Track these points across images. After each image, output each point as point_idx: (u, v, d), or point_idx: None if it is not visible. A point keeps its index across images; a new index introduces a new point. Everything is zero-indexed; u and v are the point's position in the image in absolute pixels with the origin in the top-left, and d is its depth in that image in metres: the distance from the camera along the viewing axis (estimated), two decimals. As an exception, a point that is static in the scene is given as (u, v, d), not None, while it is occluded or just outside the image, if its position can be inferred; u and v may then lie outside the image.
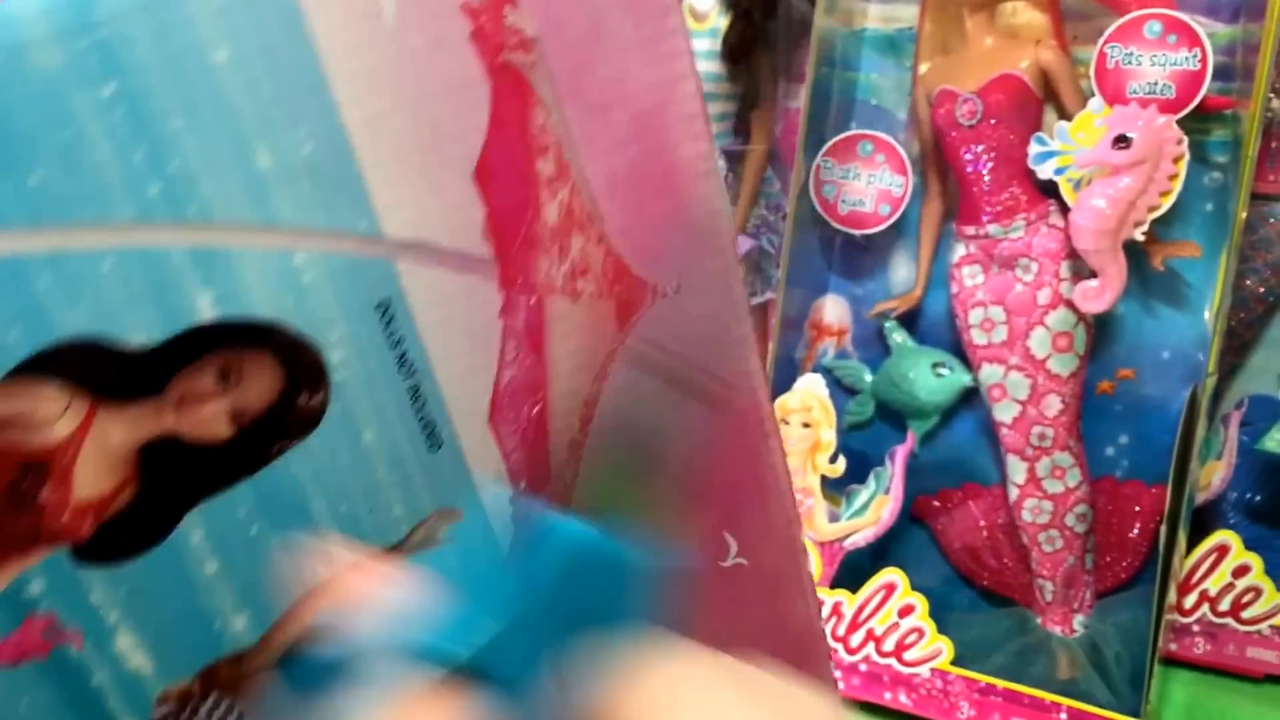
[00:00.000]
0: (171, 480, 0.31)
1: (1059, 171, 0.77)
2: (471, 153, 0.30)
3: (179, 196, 0.29)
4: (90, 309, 0.29)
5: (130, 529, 0.31)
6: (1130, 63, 0.75)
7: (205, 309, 0.30)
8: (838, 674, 0.84)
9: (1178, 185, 0.75)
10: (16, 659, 0.30)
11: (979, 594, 0.88)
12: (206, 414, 0.31)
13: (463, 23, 0.29)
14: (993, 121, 0.80)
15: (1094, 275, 0.77)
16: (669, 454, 0.35)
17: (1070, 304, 0.79)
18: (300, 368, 0.31)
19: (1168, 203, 0.75)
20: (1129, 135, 0.74)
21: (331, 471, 0.31)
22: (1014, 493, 0.85)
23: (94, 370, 0.30)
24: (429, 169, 0.30)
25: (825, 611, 0.85)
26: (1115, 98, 0.75)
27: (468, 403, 0.31)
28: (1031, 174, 0.79)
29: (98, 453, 0.30)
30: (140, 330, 0.30)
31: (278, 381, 0.31)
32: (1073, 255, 0.79)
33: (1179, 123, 0.74)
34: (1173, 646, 0.87)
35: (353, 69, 0.29)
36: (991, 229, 0.81)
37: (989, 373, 0.83)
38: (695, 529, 0.35)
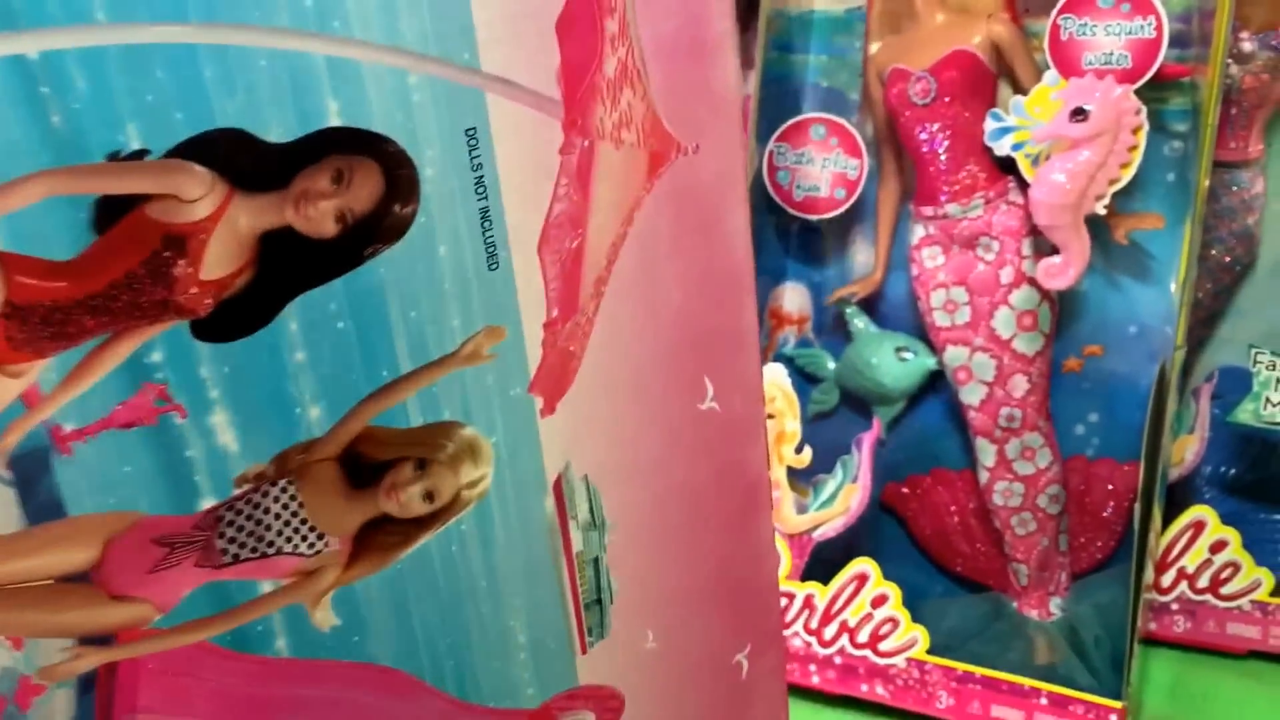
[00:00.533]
0: (283, 269, 0.35)
1: (1016, 147, 0.76)
2: (556, 6, 0.35)
3: (327, 11, 0.33)
4: (243, 101, 0.33)
5: (243, 310, 0.35)
6: (1085, 33, 0.74)
7: (333, 114, 0.34)
8: (812, 668, 0.83)
9: (1137, 156, 0.74)
10: (129, 423, 0.34)
11: (953, 581, 0.87)
12: (320, 211, 0.35)
13: None
14: (947, 99, 0.79)
15: (1056, 251, 0.77)
16: (669, 297, 0.39)
17: (1033, 282, 0.78)
18: (400, 179, 0.35)
19: (1128, 174, 0.74)
20: (1086, 107, 0.73)
21: (409, 279, 0.35)
22: (984, 476, 0.84)
23: (236, 159, 0.34)
24: (522, 14, 0.35)
25: (797, 605, 0.84)
26: (1070, 70, 0.74)
27: (525, 230, 0.35)
28: (989, 151, 0.78)
29: (228, 235, 0.34)
30: (279, 127, 0.34)
31: (380, 189, 0.35)
32: (1034, 232, 0.78)
33: (1137, 92, 0.73)
34: (1152, 626, 0.87)
35: None
36: (950, 209, 0.80)
37: (954, 355, 0.82)
38: (682, 370, 0.40)
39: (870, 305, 0.87)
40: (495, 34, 0.34)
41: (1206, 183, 0.75)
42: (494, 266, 0.35)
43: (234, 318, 0.35)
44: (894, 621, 0.82)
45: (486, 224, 0.35)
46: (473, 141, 0.34)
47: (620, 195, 0.36)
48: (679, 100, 0.37)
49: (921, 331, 0.85)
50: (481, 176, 0.34)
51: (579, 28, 0.35)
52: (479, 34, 0.34)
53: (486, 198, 0.35)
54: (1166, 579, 0.87)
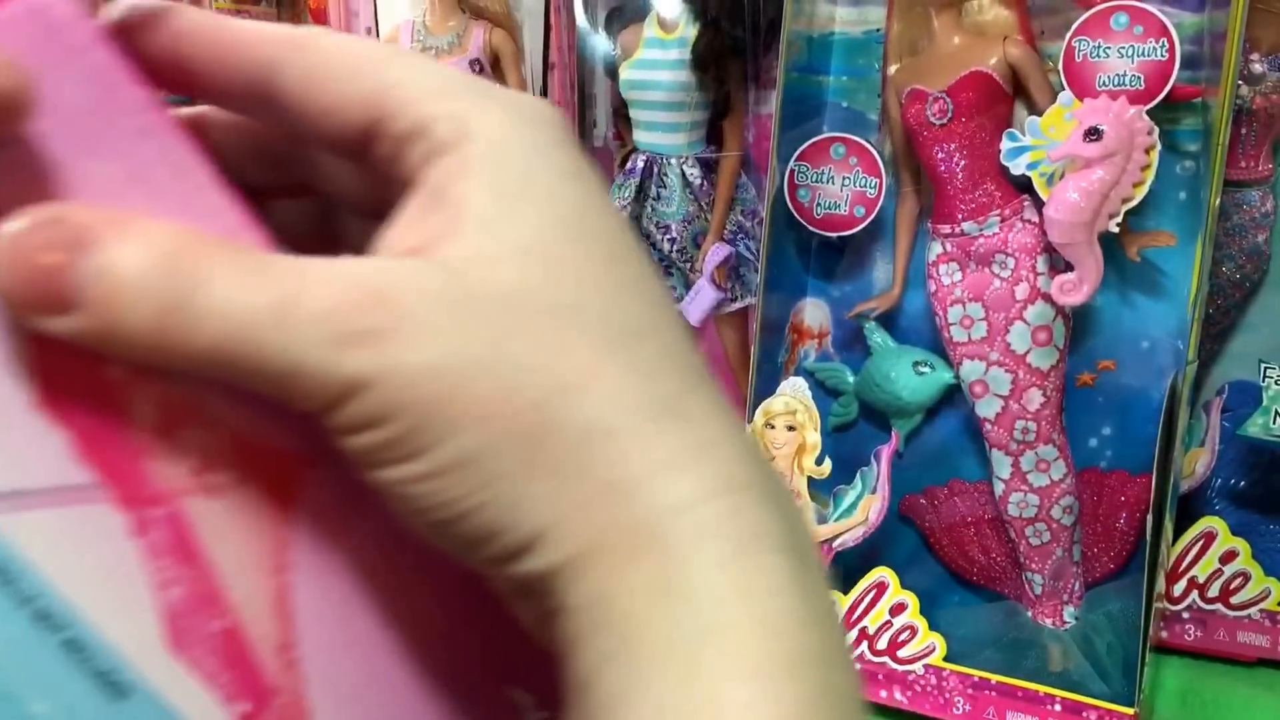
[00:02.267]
0: None
1: (1031, 167, 0.77)
2: (21, 385, 0.25)
3: None
4: None
5: None
6: (1098, 55, 0.74)
7: None
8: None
9: (1150, 175, 0.74)
10: None
11: (969, 590, 0.87)
12: None
13: None
14: (963, 119, 0.79)
15: (1070, 268, 0.76)
16: (409, 622, 0.30)
17: (1048, 298, 0.78)
18: None
19: (1141, 193, 0.74)
20: (1100, 128, 0.73)
21: None
22: (999, 487, 0.84)
23: None
24: None
25: (817, 613, 0.84)
26: (1085, 91, 0.75)
27: (140, 639, 0.26)
28: (1004, 170, 0.78)
29: None
30: None
31: None
32: (1049, 249, 0.78)
33: (1149, 113, 0.73)
34: (1163, 634, 0.87)
35: None
36: (967, 226, 0.80)
37: (970, 369, 0.82)
38: (474, 695, 0.31)
39: (889, 320, 0.87)
40: None
41: (1217, 201, 0.74)
42: (120, 695, 0.26)
43: None
44: (912, 629, 0.81)
45: (81, 655, 0.25)
46: (4, 576, 0.25)
47: (254, 545, 0.27)
48: (265, 407, 0.27)
49: (939, 346, 0.84)
50: (43, 608, 0.25)
51: (72, 395, 0.25)
52: None
53: (65, 627, 0.25)
54: (1178, 588, 0.86)
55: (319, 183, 0.32)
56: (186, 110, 0.31)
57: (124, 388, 0.25)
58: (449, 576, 0.29)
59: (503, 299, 0.25)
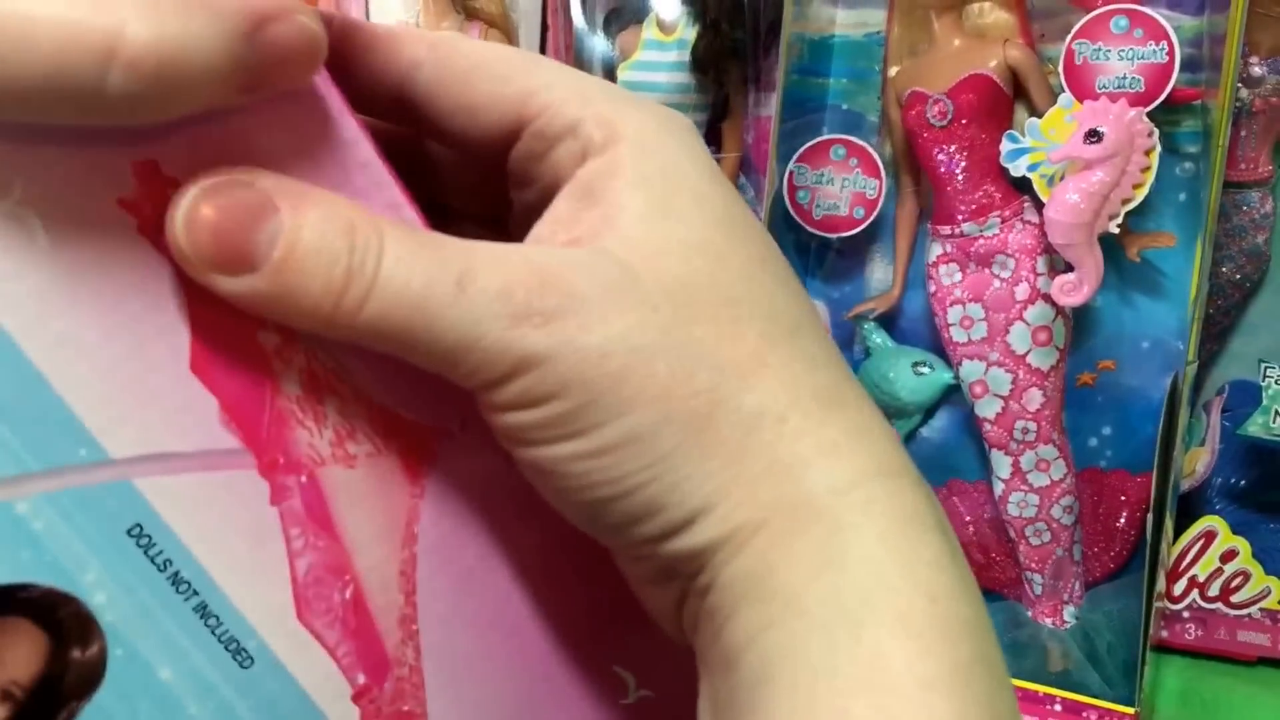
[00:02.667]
0: None
1: (1032, 168, 0.77)
2: (179, 347, 0.26)
3: None
4: None
5: None
6: (1098, 58, 0.74)
7: None
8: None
9: (1150, 177, 0.74)
10: None
11: (969, 589, 0.86)
12: None
13: (125, 218, 0.25)
14: (964, 121, 0.79)
15: (1071, 269, 0.76)
16: (518, 600, 0.30)
17: (1048, 298, 0.78)
18: (61, 623, 0.26)
19: (1141, 194, 0.74)
20: (1100, 130, 0.73)
21: None
22: (999, 487, 0.84)
23: None
24: (137, 376, 0.26)
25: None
26: (1085, 93, 0.75)
27: (269, 606, 0.27)
28: (1004, 172, 0.78)
29: None
30: None
31: (40, 644, 0.26)
32: (1049, 250, 0.78)
33: (1149, 115, 0.73)
34: (1164, 633, 0.87)
35: (16, 294, 0.25)
36: (967, 227, 0.80)
37: (970, 369, 0.82)
38: (581, 676, 0.31)
39: (888, 321, 0.87)
40: (114, 412, 0.26)
41: (1217, 202, 0.74)
42: (247, 664, 0.27)
43: None
44: (913, 629, 0.81)
45: (211, 621, 0.26)
46: (143, 540, 0.26)
47: (384, 516, 0.28)
48: (407, 381, 0.28)
49: (938, 347, 0.84)
50: (177, 573, 0.26)
51: (224, 358, 0.26)
52: (86, 421, 0.26)
53: (198, 592, 0.26)
54: (1178, 587, 0.87)
55: (442, 188, 0.33)
56: None
57: (273, 356, 0.26)
58: (570, 557, 0.30)
59: (672, 288, 0.26)
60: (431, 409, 0.28)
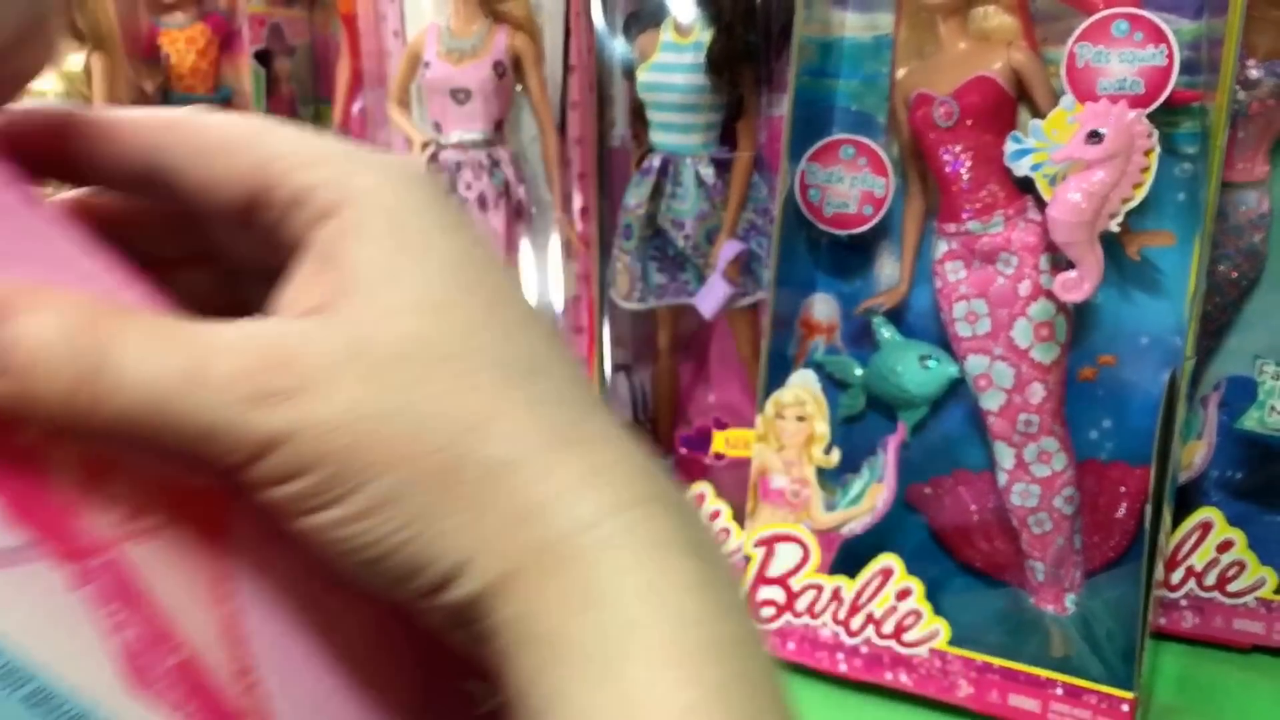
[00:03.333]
0: None
1: (1035, 168, 0.77)
2: None
3: None
4: None
5: None
6: (1099, 61, 0.75)
7: None
8: (840, 656, 0.84)
9: (1149, 177, 0.75)
10: None
11: (973, 576, 0.88)
12: None
13: None
14: (969, 122, 0.80)
15: (1072, 266, 0.77)
16: (359, 634, 0.30)
17: (1050, 295, 0.79)
18: None
19: (1141, 194, 0.75)
20: (1101, 131, 0.74)
21: None
22: (1003, 478, 0.84)
23: None
24: None
25: (825, 597, 0.85)
26: (1086, 95, 0.75)
27: (103, 682, 0.26)
28: (1008, 171, 0.79)
29: None
30: None
31: None
32: (1051, 248, 0.79)
33: (1149, 117, 0.74)
34: (1162, 621, 0.88)
35: None
36: (972, 225, 0.81)
37: (974, 363, 0.83)
38: (428, 691, 0.31)
39: (896, 316, 0.88)
40: None
41: (1215, 202, 0.75)
42: None
43: None
44: (917, 614, 0.82)
45: (52, 703, 0.25)
46: None
47: (195, 579, 0.28)
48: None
49: (944, 341, 0.85)
50: (7, 663, 0.25)
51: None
52: None
53: (27, 680, 0.25)
54: (1176, 576, 0.87)
55: (218, 251, 0.33)
56: (68, 194, 0.32)
57: (49, 447, 0.26)
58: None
59: (402, 350, 0.26)
60: (211, 472, 0.27)
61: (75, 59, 1.25)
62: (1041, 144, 0.77)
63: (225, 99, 1.42)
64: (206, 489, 0.28)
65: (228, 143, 0.29)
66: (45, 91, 1.23)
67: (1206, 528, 0.87)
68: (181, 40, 1.39)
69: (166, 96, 1.41)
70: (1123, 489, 0.82)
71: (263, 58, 1.37)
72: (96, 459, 0.26)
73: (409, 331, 0.26)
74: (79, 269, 0.27)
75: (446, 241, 0.28)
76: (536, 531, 0.26)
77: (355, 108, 1.34)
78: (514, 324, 0.28)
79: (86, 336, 0.25)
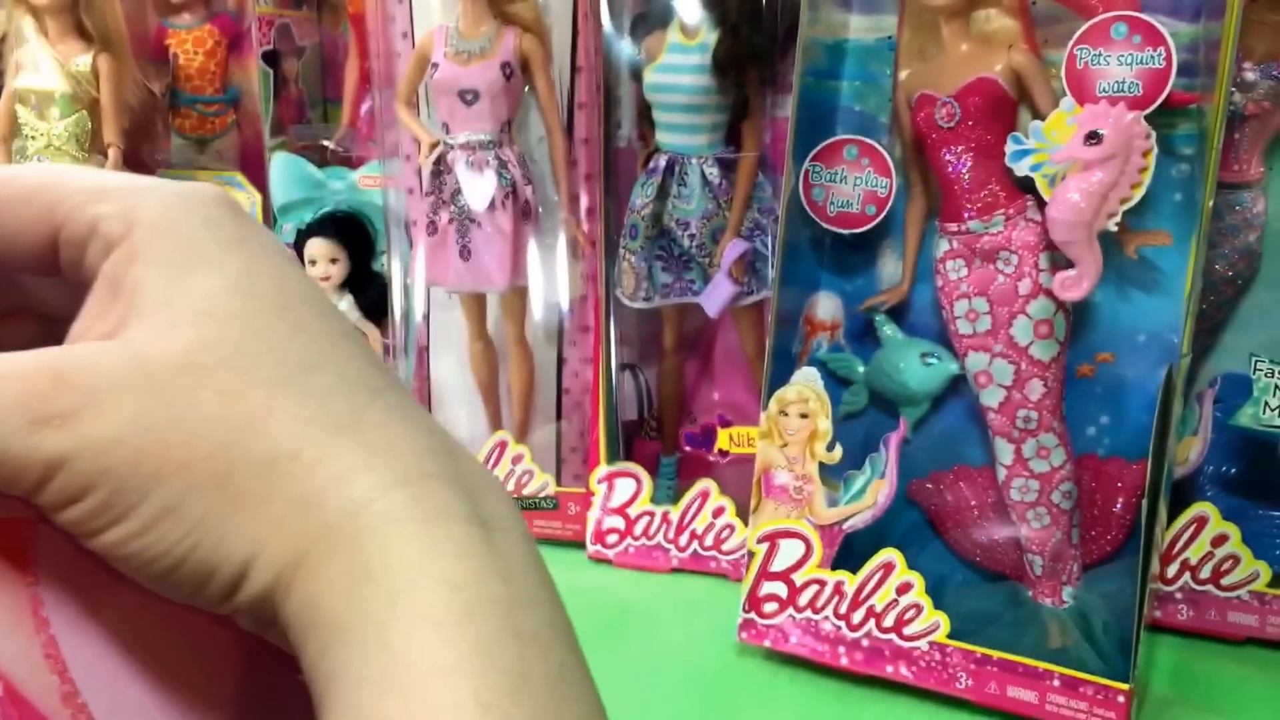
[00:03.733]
0: None
1: (1035, 168, 0.78)
2: None
3: None
4: None
5: None
6: (1099, 63, 0.76)
7: None
8: (841, 649, 0.85)
9: (1147, 177, 0.75)
10: None
11: (972, 570, 0.88)
12: None
13: None
14: (970, 123, 0.80)
15: (1071, 265, 0.78)
16: (180, 650, 0.30)
17: (1050, 293, 0.80)
18: None
19: (1138, 194, 0.76)
20: (1100, 132, 0.75)
21: None
22: (1002, 473, 0.85)
23: None
24: None
25: (828, 591, 0.86)
26: (1085, 97, 0.76)
27: None
28: (1009, 171, 0.80)
29: None
30: None
31: None
32: (1050, 247, 0.80)
33: (1147, 118, 0.75)
34: (1157, 614, 0.89)
35: None
36: (973, 224, 0.82)
37: (975, 360, 0.84)
38: (268, 695, 0.31)
39: (898, 313, 0.88)
40: None
41: (1211, 202, 0.75)
42: None
43: None
44: (918, 607, 0.83)
45: None
46: None
47: (7, 611, 0.28)
48: None
49: (945, 338, 0.86)
50: None
51: None
52: None
53: None
54: (1171, 570, 0.88)
55: (35, 304, 0.34)
56: None
57: None
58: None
59: (179, 362, 0.27)
60: (9, 502, 0.27)
61: (82, 59, 1.25)
62: (1041, 144, 0.78)
63: (233, 100, 1.43)
64: (6, 521, 0.28)
65: (18, 192, 0.30)
66: (52, 91, 1.24)
67: (1201, 522, 0.87)
68: (189, 41, 1.40)
69: (174, 97, 1.42)
70: (1120, 484, 0.83)
71: (270, 58, 1.38)
72: None
73: (187, 343, 0.27)
74: None
75: (230, 256, 0.28)
76: (314, 518, 0.26)
77: (364, 108, 1.35)
78: (298, 325, 0.28)
79: None
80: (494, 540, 0.27)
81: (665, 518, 1.04)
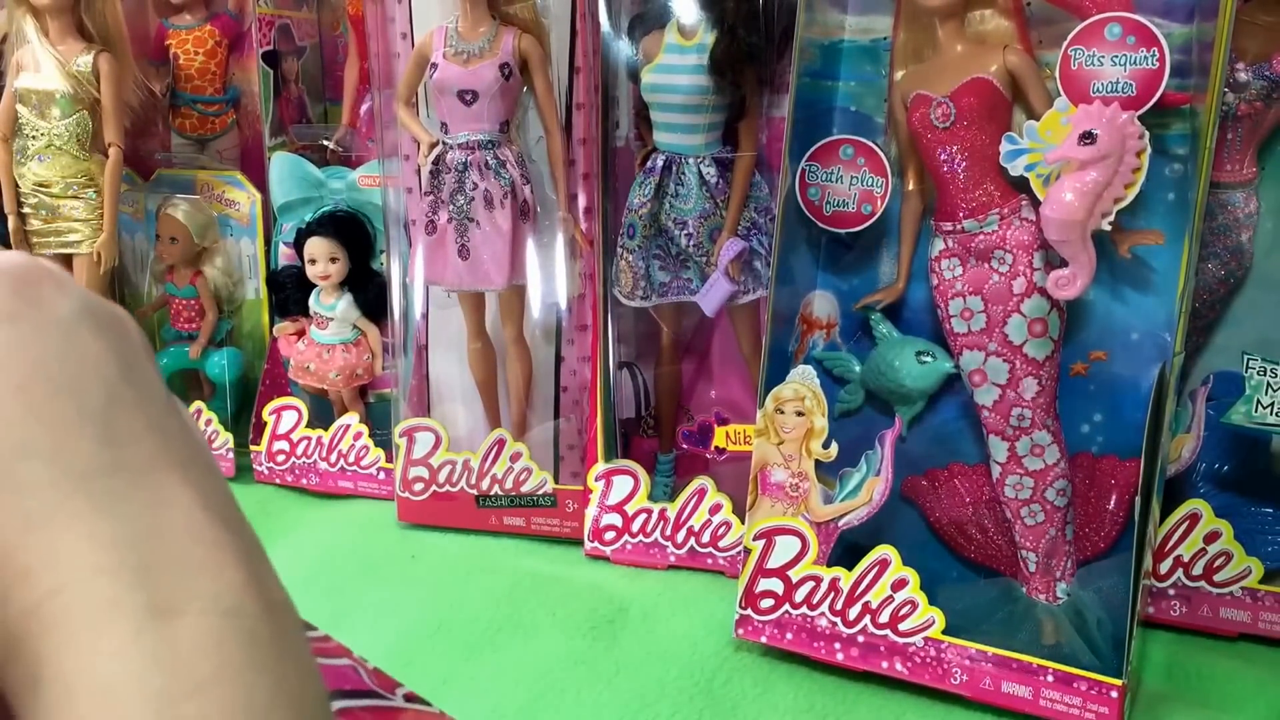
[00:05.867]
0: None
1: (1029, 168, 0.78)
2: None
3: None
4: None
5: None
6: (1093, 64, 0.76)
7: None
8: (837, 646, 0.85)
9: (1140, 177, 0.76)
10: None
11: (967, 567, 0.89)
12: None
13: None
14: (965, 123, 0.81)
15: (1065, 264, 0.78)
16: None
17: (1044, 292, 0.80)
18: None
19: (1132, 194, 0.76)
20: (1094, 132, 0.75)
21: None
22: (996, 471, 0.85)
23: None
24: None
25: (823, 588, 0.86)
26: (1080, 97, 0.76)
27: None
28: (1003, 171, 0.80)
29: None
30: None
31: None
32: (1045, 246, 0.80)
33: (1140, 118, 0.75)
34: (1150, 610, 0.89)
35: None
36: (967, 224, 0.82)
37: (969, 359, 0.84)
38: None
39: (893, 312, 0.89)
40: None
41: (1204, 202, 0.76)
42: None
43: None
44: (913, 604, 0.83)
45: None
46: None
47: None
48: None
49: (940, 337, 0.86)
50: None
51: None
52: None
53: None
54: (1164, 566, 0.89)
55: None
56: None
57: None
58: None
59: None
60: None
61: (83, 59, 1.25)
62: (1036, 144, 0.78)
63: (233, 100, 1.43)
64: None
65: None
66: (53, 91, 1.24)
67: (1194, 519, 0.88)
68: (190, 41, 1.41)
69: (174, 97, 1.42)
70: (1113, 481, 0.84)
71: (270, 59, 1.39)
72: None
73: None
74: None
75: None
76: (1, 615, 0.27)
77: (363, 108, 1.35)
78: (28, 408, 0.29)
79: None
80: (168, 629, 0.27)
81: (662, 515, 1.05)
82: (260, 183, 1.34)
